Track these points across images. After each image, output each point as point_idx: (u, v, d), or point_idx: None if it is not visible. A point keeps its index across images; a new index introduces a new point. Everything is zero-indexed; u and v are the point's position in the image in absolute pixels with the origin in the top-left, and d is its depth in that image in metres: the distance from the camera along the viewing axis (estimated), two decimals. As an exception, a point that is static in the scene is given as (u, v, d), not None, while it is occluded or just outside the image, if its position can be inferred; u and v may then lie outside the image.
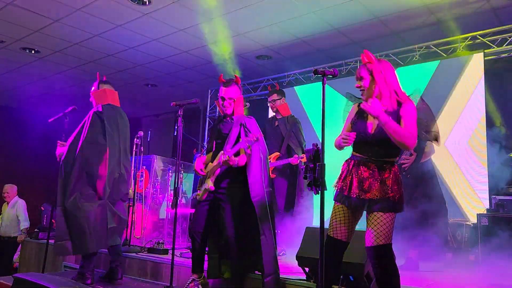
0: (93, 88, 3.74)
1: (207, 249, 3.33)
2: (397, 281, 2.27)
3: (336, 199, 2.46)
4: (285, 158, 4.44)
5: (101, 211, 3.34)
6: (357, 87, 2.44)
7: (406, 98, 2.41)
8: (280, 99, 4.62)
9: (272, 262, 3.00)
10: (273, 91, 4.70)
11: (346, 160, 2.50)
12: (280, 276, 3.16)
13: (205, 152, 3.48)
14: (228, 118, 3.28)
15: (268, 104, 4.74)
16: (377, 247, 2.26)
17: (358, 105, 2.48)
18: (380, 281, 2.30)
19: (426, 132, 3.72)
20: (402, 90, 2.45)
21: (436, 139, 3.77)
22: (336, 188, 2.46)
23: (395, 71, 2.46)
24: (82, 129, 3.46)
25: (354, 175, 2.37)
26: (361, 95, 2.45)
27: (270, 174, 4.30)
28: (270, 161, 4.35)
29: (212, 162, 3.21)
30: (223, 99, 3.23)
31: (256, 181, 3.08)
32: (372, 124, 2.40)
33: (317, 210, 4.98)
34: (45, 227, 5.58)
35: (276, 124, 4.61)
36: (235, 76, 3.40)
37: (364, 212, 2.47)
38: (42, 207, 5.87)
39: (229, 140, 3.14)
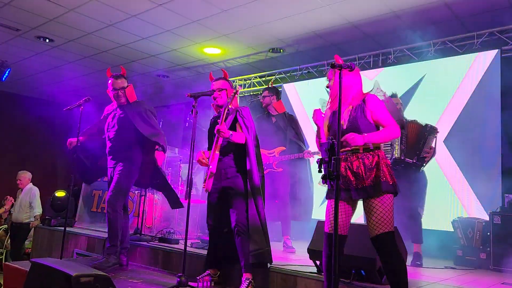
0: (122, 81, 3.89)
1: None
2: (402, 268, 2.35)
3: (329, 196, 2.53)
4: (288, 152, 4.56)
5: None
6: (327, 87, 2.67)
7: (365, 94, 2.62)
8: (270, 96, 4.79)
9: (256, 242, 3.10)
10: (266, 88, 4.95)
11: None
12: (291, 268, 3.20)
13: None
14: (222, 110, 3.37)
15: (260, 99, 4.96)
16: (380, 235, 2.35)
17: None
18: (387, 269, 2.39)
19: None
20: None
21: (403, 127, 3.98)
22: (328, 185, 2.50)
23: (359, 73, 2.66)
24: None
25: (345, 167, 2.47)
26: (329, 94, 2.66)
27: (275, 166, 4.55)
28: (275, 155, 4.58)
29: None
30: (213, 91, 3.42)
31: (254, 168, 3.20)
32: (344, 121, 2.54)
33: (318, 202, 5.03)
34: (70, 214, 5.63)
35: (274, 120, 4.75)
36: (222, 70, 3.56)
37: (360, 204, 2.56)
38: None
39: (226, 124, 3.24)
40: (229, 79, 3.58)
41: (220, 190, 3.28)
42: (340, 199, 2.48)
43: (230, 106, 3.28)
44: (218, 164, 3.20)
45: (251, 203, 3.15)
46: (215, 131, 3.12)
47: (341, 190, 2.45)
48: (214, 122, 3.45)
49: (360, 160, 2.45)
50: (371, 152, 2.45)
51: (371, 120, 2.52)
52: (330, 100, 2.65)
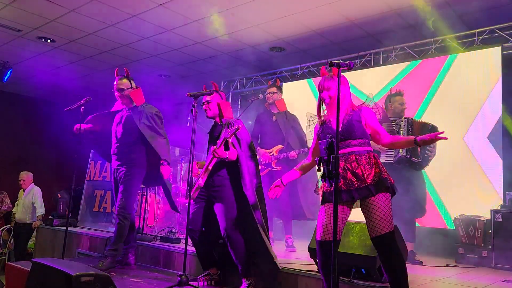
0: (125, 83, 3.94)
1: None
2: (403, 267, 2.35)
3: (324, 200, 2.51)
4: (286, 151, 4.60)
5: None
6: (323, 97, 2.59)
7: (360, 105, 2.67)
8: (278, 93, 4.85)
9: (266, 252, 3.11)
10: (273, 85, 4.95)
11: None
12: (291, 267, 3.20)
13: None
14: (218, 122, 3.44)
15: (265, 95, 4.93)
16: (383, 235, 2.34)
17: (320, 122, 2.66)
18: (388, 269, 2.37)
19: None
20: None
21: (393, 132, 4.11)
22: (324, 189, 2.52)
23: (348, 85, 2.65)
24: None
25: (344, 168, 2.45)
26: (326, 104, 2.60)
27: (274, 165, 4.60)
28: (273, 154, 4.63)
29: None
30: (203, 103, 3.50)
31: (245, 174, 3.17)
32: (340, 123, 2.53)
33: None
34: (60, 214, 5.68)
35: (275, 119, 4.79)
36: (212, 83, 3.65)
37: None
38: (58, 195, 5.94)
39: (219, 140, 3.23)
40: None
41: (206, 199, 3.30)
42: (340, 202, 2.44)
43: (231, 126, 3.23)
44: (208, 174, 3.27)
45: (246, 212, 3.13)
46: (212, 152, 3.12)
47: (342, 191, 2.42)
48: (212, 129, 3.51)
49: (358, 160, 2.45)
50: (365, 154, 2.47)
51: (365, 127, 2.57)
52: (326, 108, 2.64)
